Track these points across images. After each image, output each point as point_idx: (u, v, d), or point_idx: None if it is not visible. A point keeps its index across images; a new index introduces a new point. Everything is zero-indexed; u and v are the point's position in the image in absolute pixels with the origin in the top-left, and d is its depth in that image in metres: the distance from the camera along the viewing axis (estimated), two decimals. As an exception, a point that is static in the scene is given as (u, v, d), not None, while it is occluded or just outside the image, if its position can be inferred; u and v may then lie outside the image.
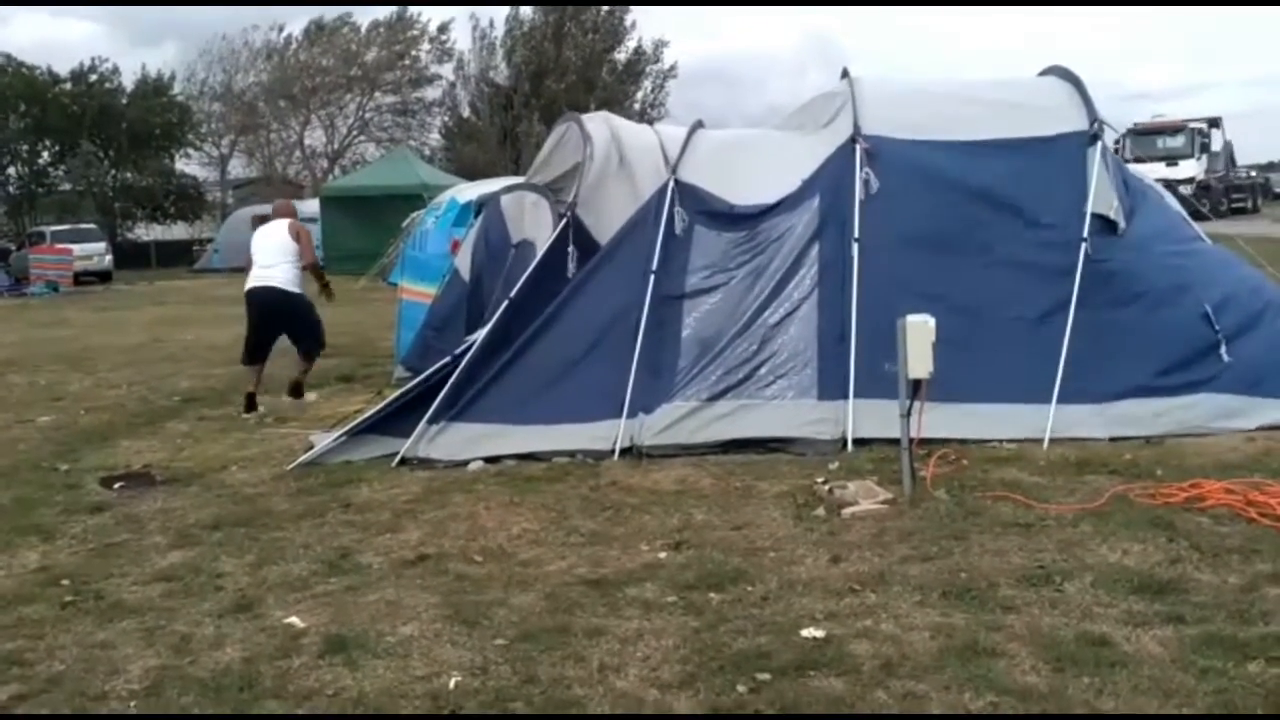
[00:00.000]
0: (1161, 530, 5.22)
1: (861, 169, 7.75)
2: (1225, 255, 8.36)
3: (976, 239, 7.66)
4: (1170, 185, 32.12)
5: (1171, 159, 33.17)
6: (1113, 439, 6.95)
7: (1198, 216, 9.94)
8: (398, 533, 5.88)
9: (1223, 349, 7.28)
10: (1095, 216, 7.50)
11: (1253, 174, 36.39)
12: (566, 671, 4.05)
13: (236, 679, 4.14)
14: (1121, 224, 7.63)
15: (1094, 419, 7.09)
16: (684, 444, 7.17)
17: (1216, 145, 35.60)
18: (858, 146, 7.84)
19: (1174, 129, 35.94)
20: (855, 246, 7.55)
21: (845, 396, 7.20)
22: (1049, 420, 6.97)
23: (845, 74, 8.72)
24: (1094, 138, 7.83)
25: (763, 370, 7.39)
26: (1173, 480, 5.98)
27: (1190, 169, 33.26)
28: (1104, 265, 7.41)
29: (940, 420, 6.66)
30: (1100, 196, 7.56)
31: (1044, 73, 8.91)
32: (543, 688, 3.93)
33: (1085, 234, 7.39)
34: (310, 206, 29.23)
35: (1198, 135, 35.11)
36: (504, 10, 51.59)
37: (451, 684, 4.00)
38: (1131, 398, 7.14)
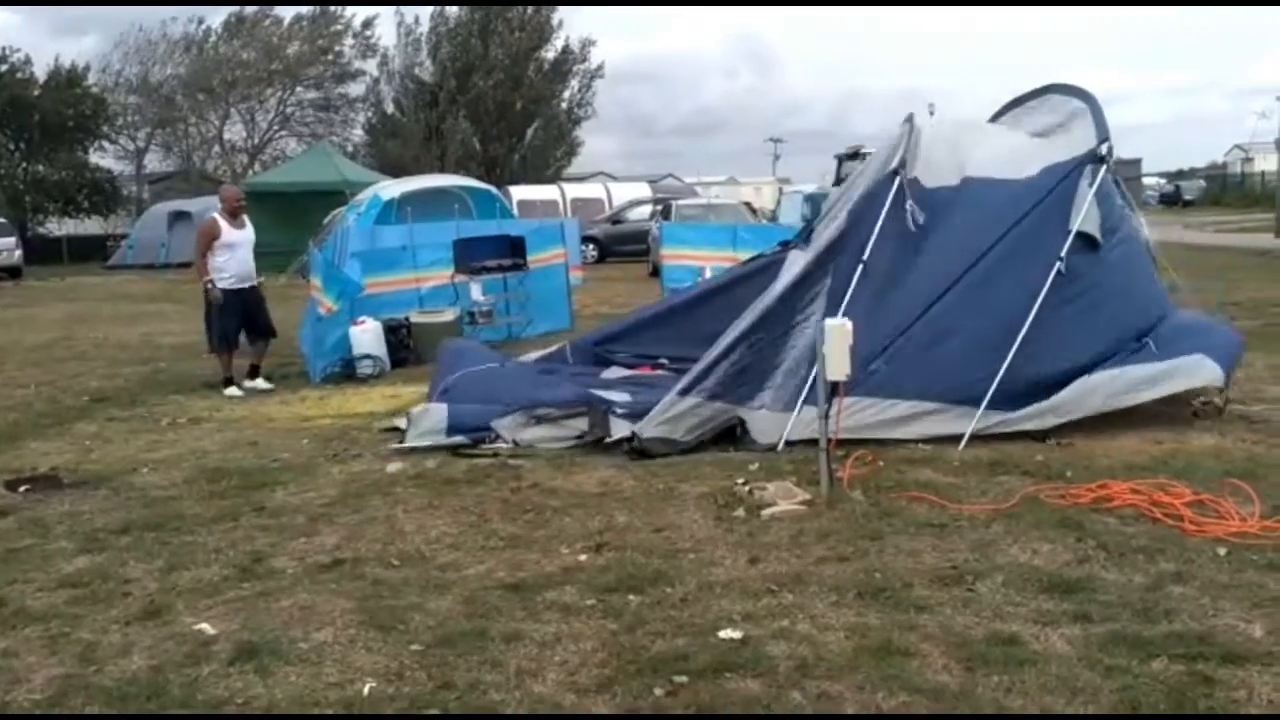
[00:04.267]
0: (1070, 530, 5.34)
1: (906, 202, 7.99)
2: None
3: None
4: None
5: (840, 180, 36.04)
6: (1027, 439, 7.09)
7: None
8: (313, 537, 5.79)
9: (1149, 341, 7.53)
10: (1078, 235, 7.59)
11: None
12: (483, 676, 4.01)
13: (143, 688, 4.04)
14: (1101, 240, 7.72)
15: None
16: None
17: None
18: (898, 179, 8.07)
19: (853, 155, 38.82)
20: (861, 268, 7.76)
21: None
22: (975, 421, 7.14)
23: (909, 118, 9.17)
24: (1098, 158, 7.91)
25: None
26: (1081, 481, 6.14)
27: None
28: (1076, 282, 7.50)
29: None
30: (1087, 216, 7.66)
31: (1047, 90, 9.18)
32: (459, 693, 3.90)
33: (1063, 252, 7.49)
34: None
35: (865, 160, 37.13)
36: (429, 7, 51.08)
37: (365, 691, 3.94)
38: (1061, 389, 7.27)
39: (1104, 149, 7.95)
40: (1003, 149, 8.81)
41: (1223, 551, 4.98)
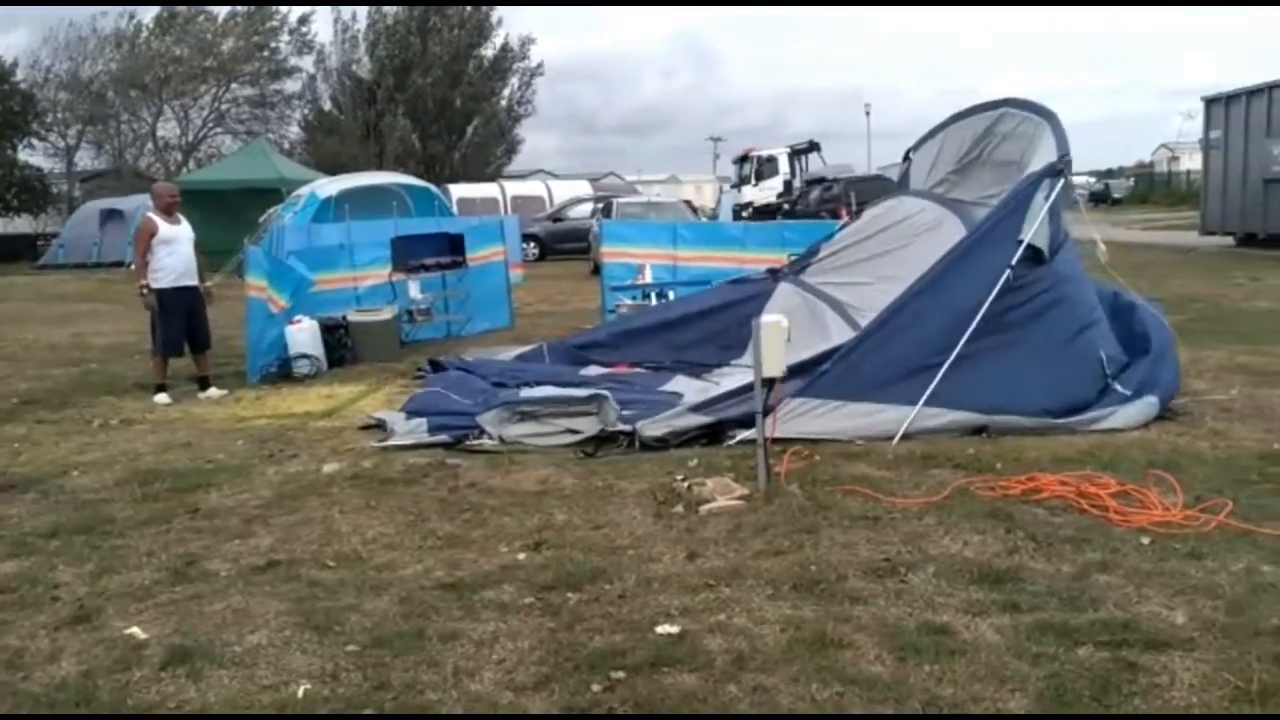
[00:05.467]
0: (1000, 522, 5.44)
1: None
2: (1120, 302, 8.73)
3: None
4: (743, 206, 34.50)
5: (739, 184, 39.49)
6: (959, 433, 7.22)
7: None
8: (247, 539, 5.73)
9: (1116, 384, 7.63)
10: (1028, 245, 7.70)
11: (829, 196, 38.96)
12: (420, 676, 4.00)
13: (72, 694, 3.98)
14: (1047, 255, 7.85)
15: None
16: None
17: (785, 171, 38.47)
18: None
19: (743, 158, 40.74)
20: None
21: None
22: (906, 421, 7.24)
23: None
24: (1056, 172, 8.03)
25: None
26: (1011, 474, 6.26)
27: (749, 194, 38.24)
28: (1021, 293, 7.62)
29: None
30: (1038, 229, 7.78)
31: (1003, 104, 9.38)
32: (395, 694, 3.88)
33: (1013, 261, 7.60)
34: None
35: (758, 163, 39.16)
36: (365, 7, 50.61)
37: (300, 693, 3.92)
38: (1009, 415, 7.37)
39: (1063, 163, 8.07)
40: (985, 182, 9.25)
41: (1146, 541, 5.11)
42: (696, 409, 7.71)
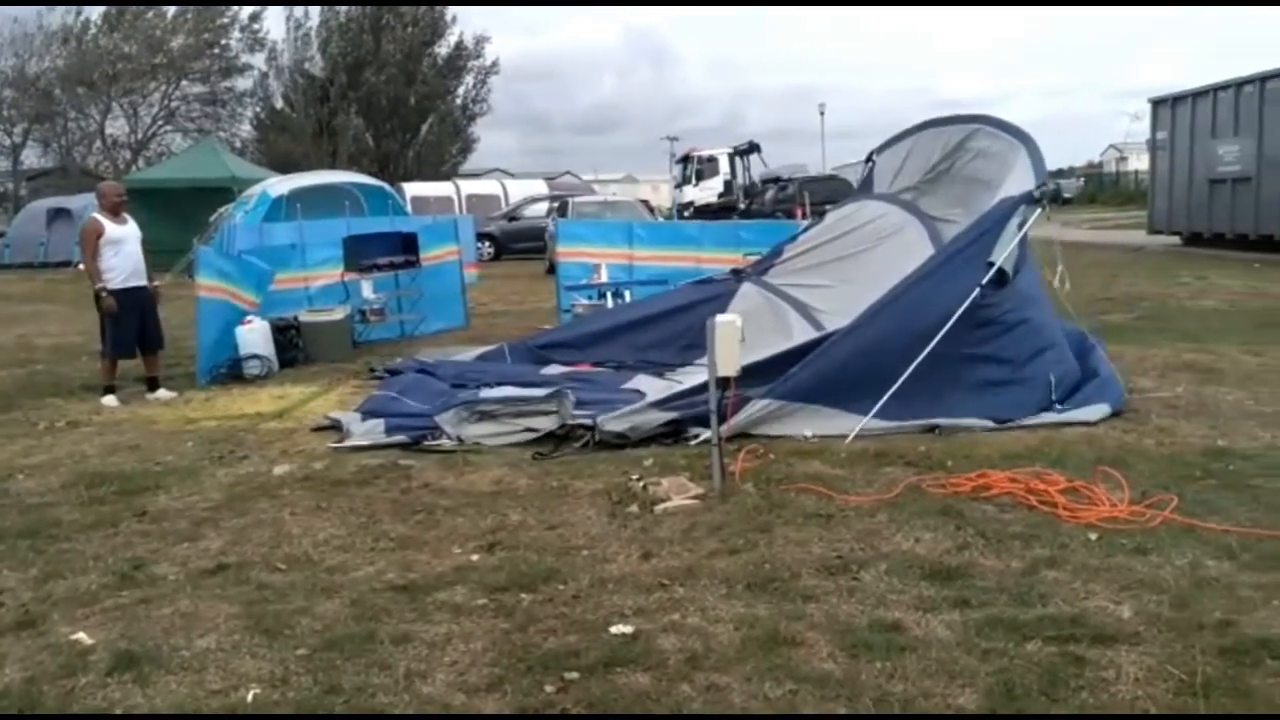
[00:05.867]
0: (951, 519, 5.50)
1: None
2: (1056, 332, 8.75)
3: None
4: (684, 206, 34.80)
5: (680, 184, 40.37)
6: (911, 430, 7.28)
7: None
8: (196, 541, 5.66)
9: (1056, 405, 7.73)
10: (994, 267, 7.77)
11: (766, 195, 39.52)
12: (371, 679, 3.97)
13: (16, 700, 3.91)
14: (1011, 277, 7.92)
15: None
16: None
17: (725, 171, 38.85)
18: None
19: (684, 159, 41.55)
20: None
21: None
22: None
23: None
24: (1034, 199, 8.10)
25: None
26: (962, 471, 6.32)
27: (690, 194, 39.03)
28: (985, 312, 7.67)
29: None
30: (1010, 253, 7.85)
31: (977, 120, 9.52)
32: (346, 697, 3.85)
33: (984, 281, 7.66)
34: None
35: (698, 163, 39.78)
36: (317, 6, 50.19)
37: (249, 697, 3.87)
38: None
39: (1039, 192, 8.14)
40: (952, 196, 9.38)
41: (1094, 536, 5.18)
42: (659, 404, 7.73)
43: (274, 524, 5.90)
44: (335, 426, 8.26)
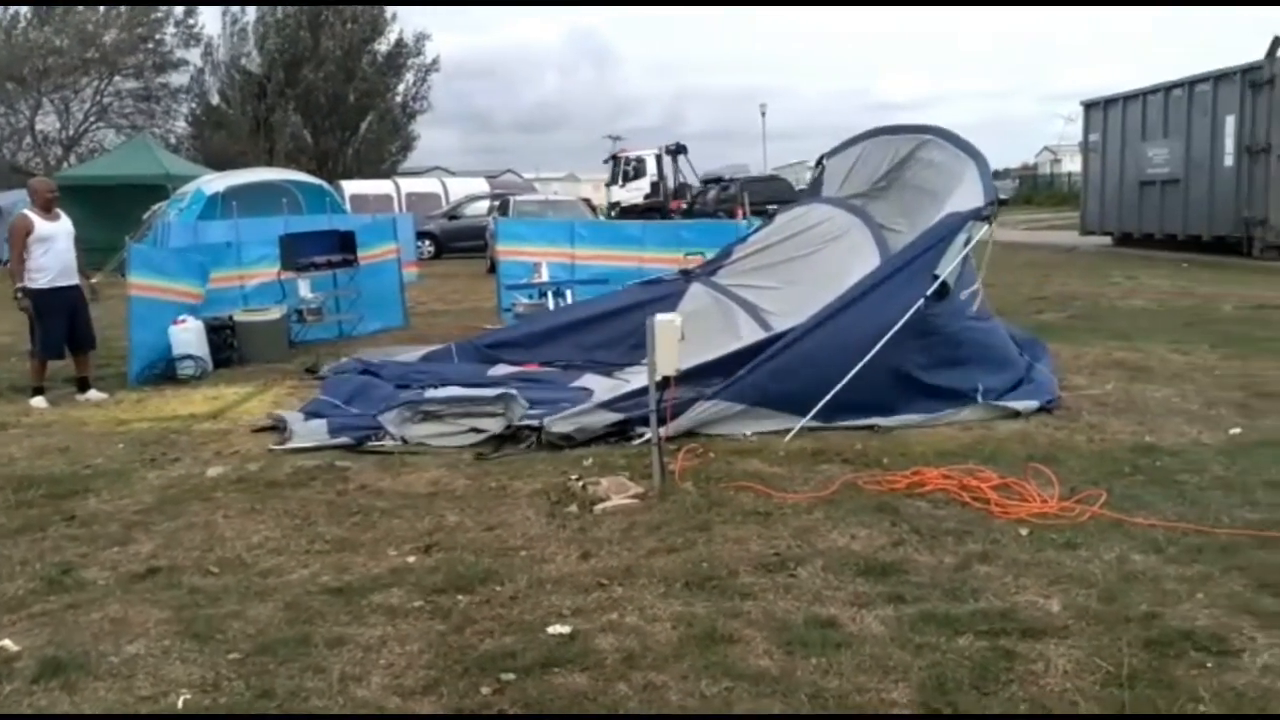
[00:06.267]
0: (886, 515, 5.56)
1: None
2: (996, 337, 8.91)
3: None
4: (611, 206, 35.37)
5: (608, 184, 40.79)
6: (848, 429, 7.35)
7: None
8: (127, 545, 5.56)
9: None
10: (939, 280, 7.87)
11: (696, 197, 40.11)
12: (305, 683, 3.93)
13: (-64, 712, 3.81)
14: (952, 289, 8.04)
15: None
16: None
17: (652, 173, 39.12)
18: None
19: (612, 159, 42.06)
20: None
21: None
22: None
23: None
24: (983, 217, 8.24)
25: None
26: (897, 468, 6.40)
27: (617, 194, 39.51)
28: (925, 323, 7.74)
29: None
30: (954, 268, 7.99)
31: (927, 130, 9.70)
32: (279, 701, 3.80)
33: (927, 292, 7.74)
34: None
35: (625, 164, 40.18)
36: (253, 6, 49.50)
37: (180, 703, 3.81)
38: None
39: (989, 210, 8.29)
40: (900, 205, 9.59)
41: (1025, 532, 5.27)
42: (605, 405, 7.72)
43: (206, 527, 5.81)
44: (277, 427, 8.15)
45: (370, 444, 7.55)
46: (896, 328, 7.47)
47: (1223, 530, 5.19)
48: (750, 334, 8.87)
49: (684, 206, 35.04)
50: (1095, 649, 3.98)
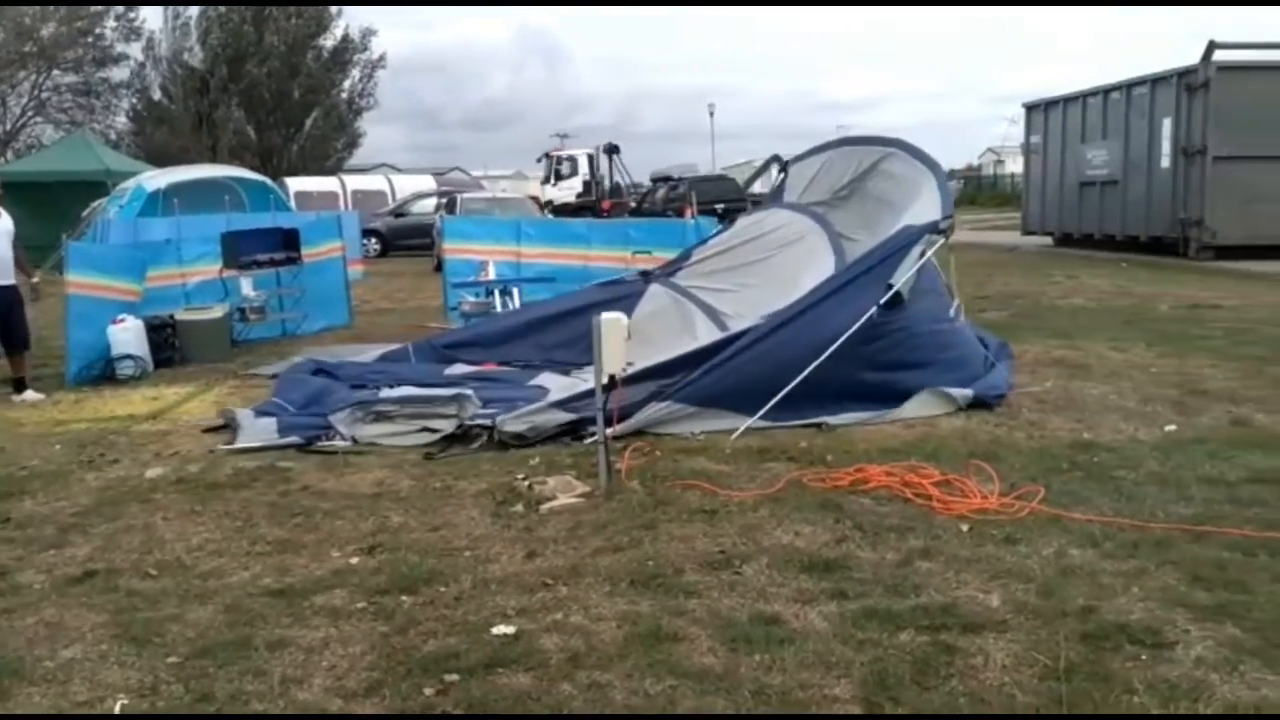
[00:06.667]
0: (830, 512, 5.61)
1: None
2: (959, 339, 9.01)
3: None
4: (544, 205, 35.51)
5: (543, 182, 41.40)
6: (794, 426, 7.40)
7: None
8: (63, 548, 5.46)
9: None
10: (893, 290, 7.94)
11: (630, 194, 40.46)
12: (245, 686, 3.88)
13: None
14: (906, 299, 8.09)
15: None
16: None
17: (585, 172, 39.58)
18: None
19: (545, 158, 42.78)
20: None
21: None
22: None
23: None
24: (939, 230, 8.37)
25: None
26: (841, 465, 6.45)
27: (550, 193, 39.99)
28: (877, 329, 7.81)
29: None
30: (908, 279, 8.05)
31: (891, 144, 9.88)
32: (218, 705, 3.76)
33: (881, 301, 7.82)
34: None
35: (558, 163, 40.83)
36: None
37: (117, 707, 3.76)
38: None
39: (945, 224, 8.43)
40: (860, 215, 9.74)
41: (966, 528, 5.34)
42: (558, 405, 7.72)
43: (145, 529, 5.72)
44: (228, 425, 8.05)
45: (320, 444, 7.47)
46: (847, 335, 7.55)
47: (1157, 525, 5.29)
48: (707, 335, 8.98)
49: (633, 206, 35.06)
50: (1033, 643, 4.05)
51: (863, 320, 7.65)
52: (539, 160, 43.49)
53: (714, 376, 7.65)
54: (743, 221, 10.96)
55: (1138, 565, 4.79)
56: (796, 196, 10.65)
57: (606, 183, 37.36)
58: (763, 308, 8.37)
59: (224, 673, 3.99)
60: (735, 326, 8.66)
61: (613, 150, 37.72)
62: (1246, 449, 6.64)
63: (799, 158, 11.08)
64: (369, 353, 11.00)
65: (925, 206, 8.72)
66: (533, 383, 9.20)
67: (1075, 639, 4.06)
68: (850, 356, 7.59)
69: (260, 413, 8.31)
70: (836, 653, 4.02)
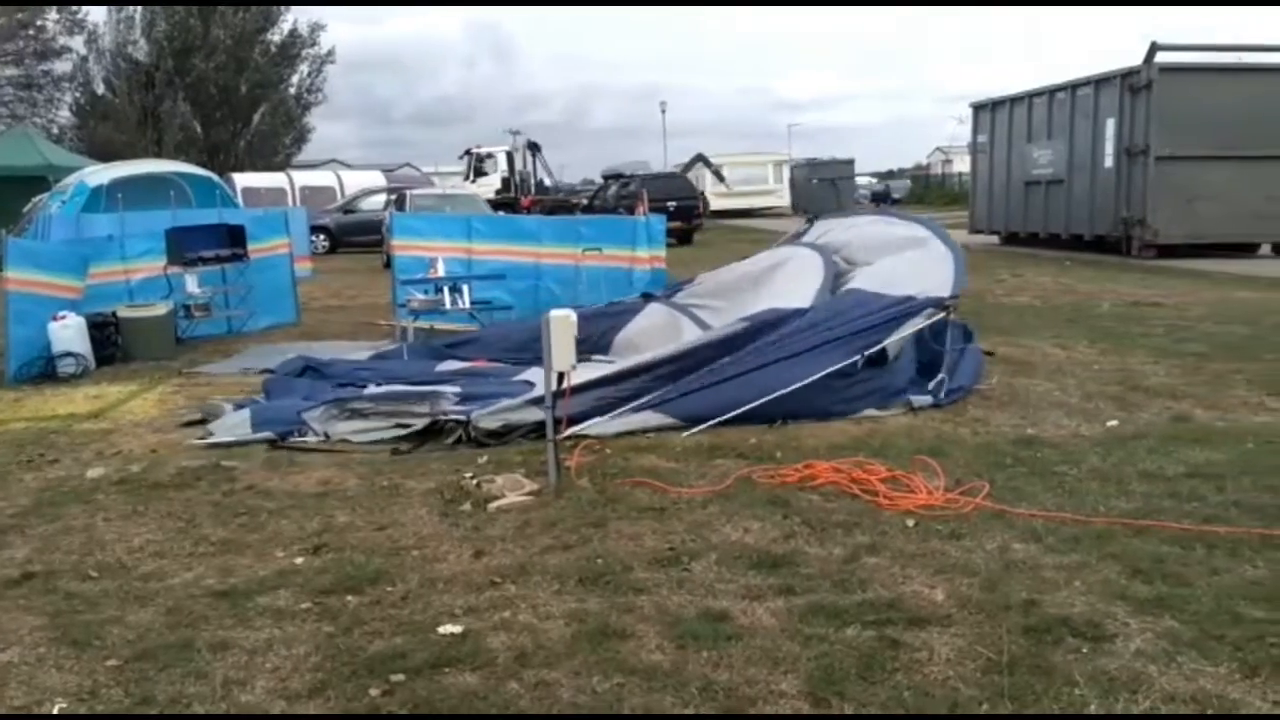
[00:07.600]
0: (778, 508, 5.64)
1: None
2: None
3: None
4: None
5: (464, 178, 41.16)
6: (744, 424, 7.42)
7: None
8: (1, 550, 5.36)
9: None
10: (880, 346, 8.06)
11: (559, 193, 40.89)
12: (187, 689, 3.83)
13: None
14: (891, 359, 8.23)
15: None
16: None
17: (503, 169, 39.86)
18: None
19: (466, 154, 42.43)
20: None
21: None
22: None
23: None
24: (944, 307, 8.44)
25: None
26: (790, 462, 6.49)
27: (469, 189, 39.46)
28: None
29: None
30: (897, 341, 8.20)
31: (926, 225, 10.29)
32: (159, 708, 3.70)
33: (868, 351, 7.93)
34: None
35: (477, 160, 40.74)
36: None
37: (54, 711, 3.69)
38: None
39: (950, 302, 8.52)
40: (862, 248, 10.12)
41: (911, 523, 5.39)
42: (534, 402, 7.67)
43: (86, 530, 5.63)
44: (205, 419, 7.98)
45: (293, 440, 7.41)
46: (819, 376, 7.66)
47: (1099, 520, 5.37)
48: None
49: (567, 202, 35.18)
50: (977, 636, 4.09)
51: (837, 367, 7.76)
52: (460, 157, 43.41)
53: (687, 400, 7.65)
54: (761, 254, 11.55)
55: (1079, 559, 4.86)
56: (814, 239, 11.13)
57: (531, 180, 37.39)
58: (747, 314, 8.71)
59: (165, 675, 3.93)
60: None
61: (534, 148, 37.77)
62: (1186, 444, 6.76)
63: (829, 214, 11.84)
64: (361, 351, 11.09)
65: (937, 275, 8.89)
66: (519, 378, 9.25)
67: (1018, 632, 4.11)
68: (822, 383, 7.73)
69: (240, 405, 8.30)
70: (783, 648, 4.04)
